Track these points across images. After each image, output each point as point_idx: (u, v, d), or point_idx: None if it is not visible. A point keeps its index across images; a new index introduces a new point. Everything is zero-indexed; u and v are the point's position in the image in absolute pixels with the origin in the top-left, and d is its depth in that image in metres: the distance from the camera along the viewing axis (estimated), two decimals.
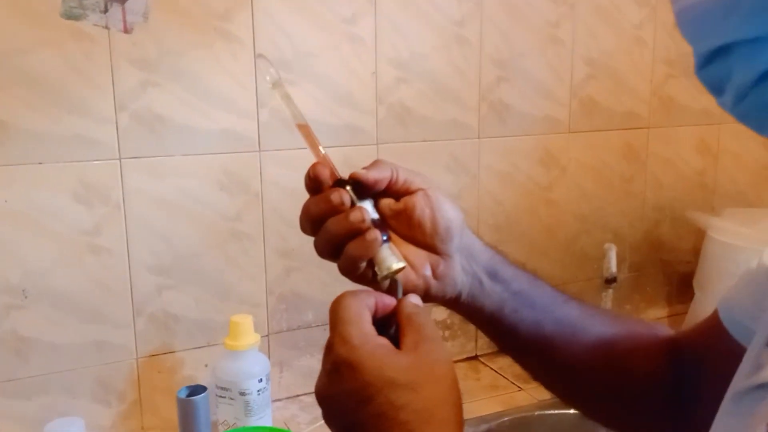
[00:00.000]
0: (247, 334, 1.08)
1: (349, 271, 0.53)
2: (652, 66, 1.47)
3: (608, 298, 1.33)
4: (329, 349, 0.46)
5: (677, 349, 0.61)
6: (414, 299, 0.50)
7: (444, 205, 0.55)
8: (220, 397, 1.08)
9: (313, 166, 0.52)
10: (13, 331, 1.04)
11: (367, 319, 0.47)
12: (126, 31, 1.01)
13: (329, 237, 0.52)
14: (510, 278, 0.59)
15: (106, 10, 0.98)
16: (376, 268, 0.52)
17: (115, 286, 1.09)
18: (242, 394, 1.06)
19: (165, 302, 1.13)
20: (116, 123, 1.05)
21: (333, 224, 0.51)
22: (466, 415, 1.25)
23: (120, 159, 1.06)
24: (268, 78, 0.54)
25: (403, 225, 0.55)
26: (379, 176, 0.53)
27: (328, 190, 0.51)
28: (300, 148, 1.23)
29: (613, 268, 1.31)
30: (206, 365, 1.16)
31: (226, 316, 1.10)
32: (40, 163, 1.01)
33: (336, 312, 0.47)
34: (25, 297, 1.03)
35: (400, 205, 0.55)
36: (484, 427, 1.11)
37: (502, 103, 1.33)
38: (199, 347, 1.16)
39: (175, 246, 1.12)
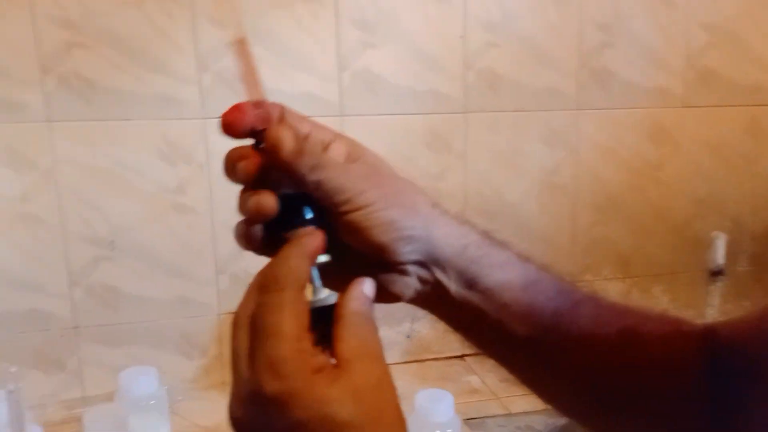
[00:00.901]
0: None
1: None
2: None
3: (716, 292, 1.20)
4: (251, 373, 0.37)
5: (714, 346, 0.50)
6: (366, 287, 0.42)
7: (388, 227, 0.43)
8: None
9: (231, 109, 0.41)
10: (102, 281, 1.09)
11: (306, 336, 0.38)
12: None
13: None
14: (495, 287, 0.47)
15: None
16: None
17: (199, 245, 1.11)
18: None
19: (247, 263, 1.14)
20: (199, 83, 1.06)
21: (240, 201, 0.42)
22: (533, 408, 1.13)
23: (204, 119, 1.08)
24: None
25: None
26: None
27: (237, 151, 0.42)
28: (384, 114, 1.21)
29: (720, 259, 1.18)
30: None
31: None
32: (126, 120, 1.05)
33: (266, 321, 0.37)
34: (113, 249, 1.08)
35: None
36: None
37: (605, 70, 1.23)
38: None
39: None
